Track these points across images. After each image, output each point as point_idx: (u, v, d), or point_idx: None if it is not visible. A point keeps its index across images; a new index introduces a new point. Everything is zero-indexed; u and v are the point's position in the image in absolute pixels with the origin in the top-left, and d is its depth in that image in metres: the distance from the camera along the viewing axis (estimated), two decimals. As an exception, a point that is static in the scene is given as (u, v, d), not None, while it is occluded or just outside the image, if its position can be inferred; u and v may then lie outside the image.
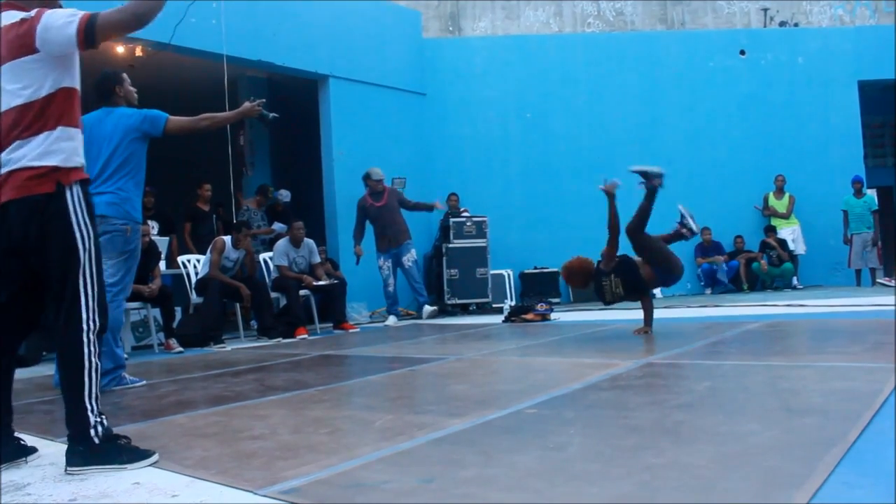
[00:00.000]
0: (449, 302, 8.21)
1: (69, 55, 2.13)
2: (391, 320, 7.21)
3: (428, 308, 7.35)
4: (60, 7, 2.20)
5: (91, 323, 2.07)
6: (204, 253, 6.53)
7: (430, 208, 7.65)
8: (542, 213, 9.38)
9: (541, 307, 6.70)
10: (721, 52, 10.04)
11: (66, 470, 1.98)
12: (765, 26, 11.65)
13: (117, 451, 2.01)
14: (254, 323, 6.87)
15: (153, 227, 6.83)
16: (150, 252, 5.64)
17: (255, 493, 1.66)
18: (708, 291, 9.41)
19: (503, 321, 6.67)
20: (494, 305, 8.29)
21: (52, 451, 2.24)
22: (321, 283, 6.75)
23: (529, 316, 6.56)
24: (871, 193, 9.68)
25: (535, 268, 9.17)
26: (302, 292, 6.63)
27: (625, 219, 4.59)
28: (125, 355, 4.08)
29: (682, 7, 12.27)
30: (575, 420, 2.25)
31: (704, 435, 1.96)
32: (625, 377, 3.01)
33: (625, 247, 4.68)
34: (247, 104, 3.81)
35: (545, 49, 9.91)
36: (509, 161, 9.59)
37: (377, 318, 7.83)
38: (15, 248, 2.08)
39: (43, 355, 5.25)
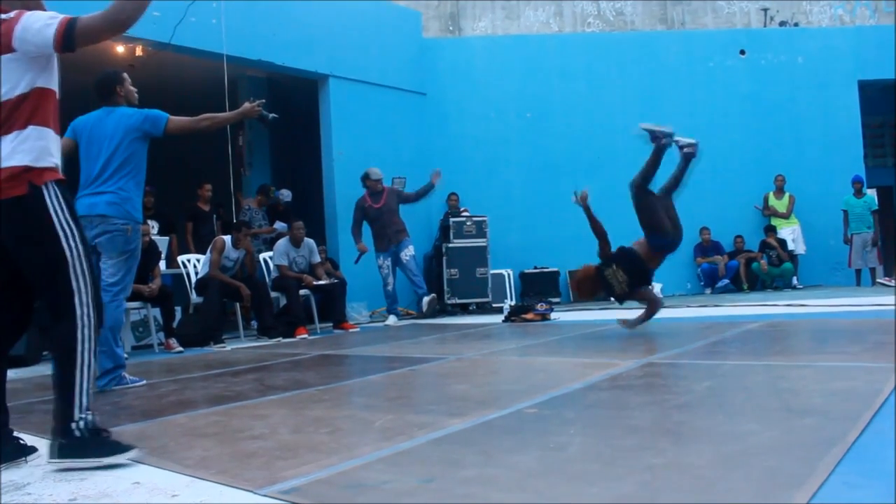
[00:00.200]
0: (449, 302, 8.21)
1: (47, 56, 2.13)
2: (391, 320, 7.21)
3: (426, 298, 7.29)
4: (44, 9, 2.20)
5: (86, 318, 2.06)
6: (204, 253, 6.53)
7: (430, 187, 7.47)
8: (542, 212, 9.37)
9: (541, 307, 6.69)
10: (721, 52, 10.04)
11: (47, 461, 2.01)
12: (765, 26, 11.65)
13: (95, 445, 2.02)
14: (254, 323, 6.87)
15: (153, 226, 6.83)
16: (150, 252, 5.64)
17: (256, 493, 1.66)
18: (708, 291, 9.41)
19: (503, 321, 6.67)
20: (494, 305, 8.29)
21: (52, 450, 2.24)
22: (321, 282, 6.75)
23: (529, 316, 6.56)
24: (871, 193, 9.68)
25: (535, 267, 9.17)
26: (302, 292, 6.63)
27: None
28: (125, 355, 4.08)
29: (682, 7, 12.27)
30: (575, 420, 2.25)
31: (704, 435, 1.96)
32: (625, 377, 3.01)
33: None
34: (247, 104, 3.81)
35: (545, 49, 9.91)
36: (509, 161, 9.59)
37: (377, 318, 7.84)
38: None
39: (43, 355, 5.25)
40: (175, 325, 6.00)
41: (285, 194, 8.42)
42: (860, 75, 9.99)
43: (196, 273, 6.46)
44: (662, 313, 4.85)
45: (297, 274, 6.68)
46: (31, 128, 2.09)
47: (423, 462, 1.86)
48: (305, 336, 6.18)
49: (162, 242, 6.24)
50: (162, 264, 6.07)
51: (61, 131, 2.29)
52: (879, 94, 10.54)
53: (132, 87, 3.83)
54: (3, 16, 2.12)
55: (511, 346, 4.69)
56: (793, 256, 9.44)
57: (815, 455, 1.65)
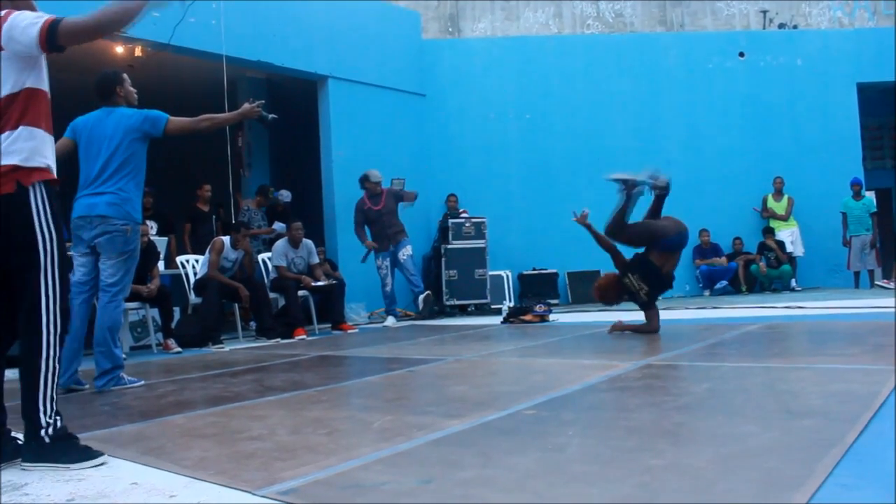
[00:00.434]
0: (447, 303, 8.21)
1: (35, 56, 2.13)
2: (390, 321, 7.20)
3: (422, 295, 7.26)
4: (34, 9, 2.20)
5: (52, 326, 2.08)
6: (202, 253, 6.53)
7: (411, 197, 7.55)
8: (541, 214, 9.37)
9: (539, 308, 6.70)
10: (720, 54, 10.05)
11: (20, 463, 2.05)
12: (764, 28, 11.66)
13: (64, 452, 2.04)
14: (252, 323, 6.87)
15: (152, 227, 6.83)
16: (149, 252, 5.64)
17: (254, 494, 1.66)
18: (706, 293, 9.42)
19: (502, 322, 6.67)
20: (493, 306, 8.28)
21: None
22: (320, 283, 6.74)
23: (528, 317, 6.57)
24: (870, 195, 9.68)
25: (534, 269, 9.17)
26: (300, 293, 6.63)
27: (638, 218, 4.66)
28: (123, 355, 4.08)
29: (682, 9, 12.28)
30: (574, 421, 2.25)
31: (704, 436, 1.97)
32: (624, 378, 3.01)
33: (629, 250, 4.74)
34: (246, 105, 3.82)
35: (544, 50, 9.92)
36: (508, 162, 9.59)
37: (376, 319, 7.83)
38: None
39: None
40: (173, 325, 5.99)
41: (284, 195, 8.42)
42: (859, 77, 10.00)
43: (195, 274, 6.46)
44: (661, 314, 4.85)
45: (296, 275, 6.67)
46: (21, 128, 2.10)
47: (422, 463, 1.86)
48: (304, 337, 6.18)
49: (161, 243, 6.24)
50: (161, 265, 6.06)
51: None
52: (878, 97, 10.55)
53: (132, 88, 3.83)
54: None
55: (510, 347, 4.69)
56: (791, 258, 9.44)
57: (814, 456, 1.65)
